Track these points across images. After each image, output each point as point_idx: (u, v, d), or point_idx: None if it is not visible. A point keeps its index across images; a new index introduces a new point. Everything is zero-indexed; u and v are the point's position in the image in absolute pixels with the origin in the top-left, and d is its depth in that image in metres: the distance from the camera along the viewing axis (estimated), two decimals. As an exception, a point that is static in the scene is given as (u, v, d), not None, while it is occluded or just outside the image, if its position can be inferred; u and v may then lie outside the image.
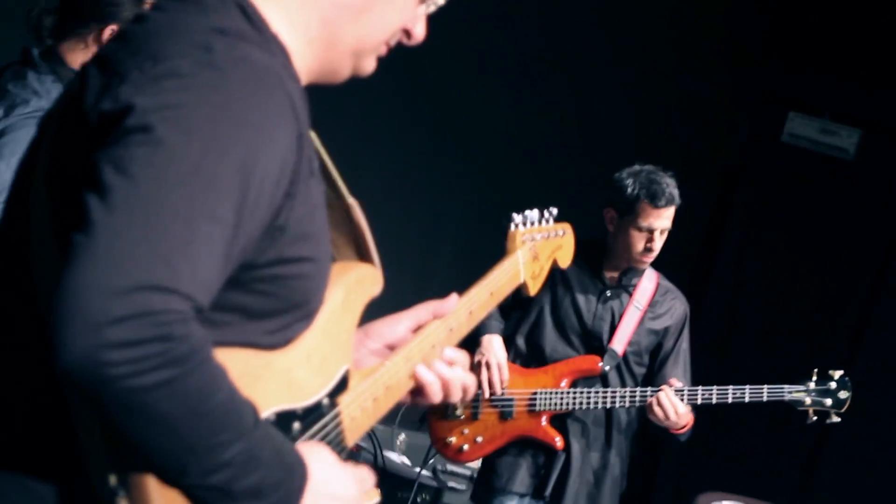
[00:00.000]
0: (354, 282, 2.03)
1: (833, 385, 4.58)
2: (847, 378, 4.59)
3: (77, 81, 1.77)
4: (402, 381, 2.13)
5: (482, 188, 6.89)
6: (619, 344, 4.70)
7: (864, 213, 7.89)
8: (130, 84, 1.64)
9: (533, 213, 2.53)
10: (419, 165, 6.52)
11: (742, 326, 8.34)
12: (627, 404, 4.60)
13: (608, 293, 4.76)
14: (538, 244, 2.54)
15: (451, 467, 6.12)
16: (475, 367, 4.65)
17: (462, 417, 4.77)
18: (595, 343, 4.73)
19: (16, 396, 1.75)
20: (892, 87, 7.62)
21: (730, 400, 4.51)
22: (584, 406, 4.62)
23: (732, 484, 6.56)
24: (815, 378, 4.59)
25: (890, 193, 7.85)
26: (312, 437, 1.89)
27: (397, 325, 2.21)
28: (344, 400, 1.98)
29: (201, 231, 1.57)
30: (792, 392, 4.56)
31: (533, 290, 2.53)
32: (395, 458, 6.17)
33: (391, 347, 2.18)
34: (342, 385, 1.98)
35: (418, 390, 2.19)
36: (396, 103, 6.33)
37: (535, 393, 4.66)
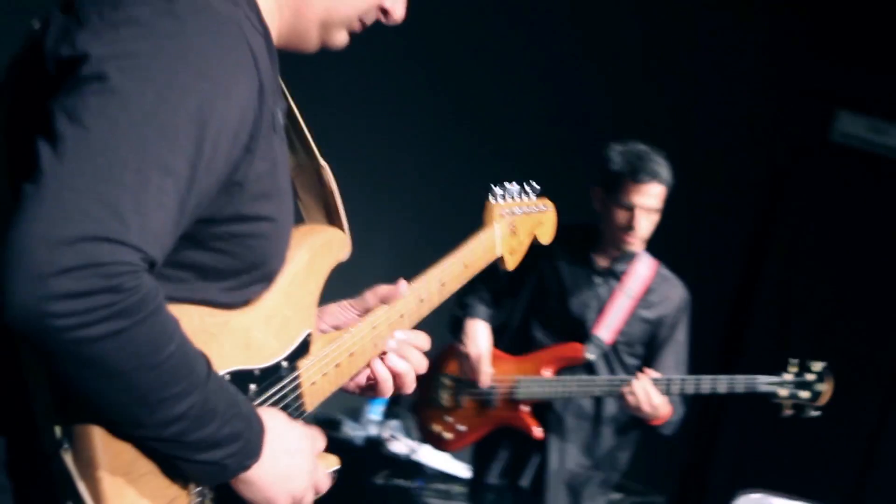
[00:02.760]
0: (320, 245, 2.01)
1: (811, 377, 4.33)
2: (828, 370, 4.32)
3: (42, 24, 1.75)
4: (366, 349, 2.11)
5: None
6: (605, 331, 4.53)
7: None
8: (88, 30, 1.62)
9: (513, 187, 2.49)
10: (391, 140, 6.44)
11: (792, 335, 8.25)
12: (603, 393, 4.42)
13: (596, 279, 4.58)
14: (517, 218, 2.49)
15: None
16: (458, 356, 4.58)
17: (446, 406, 4.68)
18: (579, 330, 4.56)
19: None
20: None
21: (705, 390, 4.31)
22: (563, 395, 4.47)
23: (783, 483, 6.50)
24: (794, 370, 4.35)
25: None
26: (269, 398, 1.89)
27: (345, 311, 2.17)
28: (304, 364, 1.97)
29: (153, 182, 1.55)
30: (767, 383, 4.32)
31: (510, 264, 2.48)
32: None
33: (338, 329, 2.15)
34: (303, 349, 1.97)
35: (369, 385, 2.19)
36: (376, 70, 6.25)
37: (517, 381, 4.54)
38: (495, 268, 4.71)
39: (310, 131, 2.07)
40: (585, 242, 4.62)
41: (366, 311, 2.16)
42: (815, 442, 7.80)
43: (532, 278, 4.70)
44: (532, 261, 4.67)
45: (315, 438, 1.90)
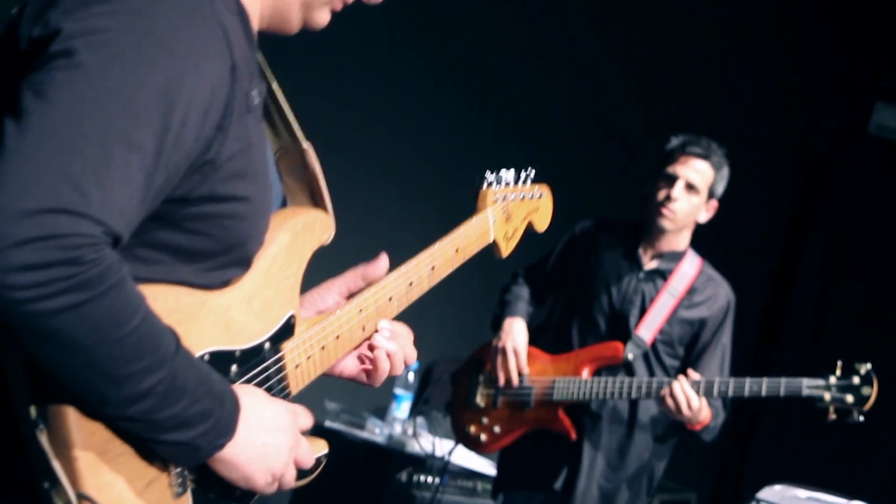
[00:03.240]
0: (302, 226, 2.00)
1: (857, 380, 4.12)
2: (873, 373, 4.12)
3: (19, 9, 1.76)
4: (353, 332, 2.10)
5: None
6: (646, 331, 4.43)
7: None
8: (60, 9, 1.63)
9: (508, 174, 2.47)
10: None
11: (830, 327, 8.15)
12: (641, 395, 4.30)
13: (641, 275, 4.49)
14: (511, 204, 2.47)
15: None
16: (492, 352, 4.53)
17: (482, 406, 4.61)
18: (621, 328, 4.47)
19: None
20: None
21: (746, 393, 4.15)
22: (600, 396, 4.36)
23: (819, 480, 6.41)
24: (838, 372, 4.16)
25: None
26: (251, 380, 1.88)
27: (327, 294, 2.16)
28: (288, 346, 1.96)
29: (116, 156, 1.55)
30: (811, 387, 4.15)
31: (505, 251, 2.46)
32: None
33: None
34: (286, 331, 1.96)
35: (363, 371, 2.18)
36: (390, 58, 6.21)
37: (554, 381, 4.44)
38: (538, 264, 4.68)
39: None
40: (632, 238, 4.55)
41: (349, 292, 2.16)
42: (852, 440, 7.69)
43: (575, 273, 4.64)
44: (576, 255, 4.67)
45: (298, 414, 1.89)
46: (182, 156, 1.65)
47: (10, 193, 1.48)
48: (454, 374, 4.83)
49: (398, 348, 2.15)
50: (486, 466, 5.56)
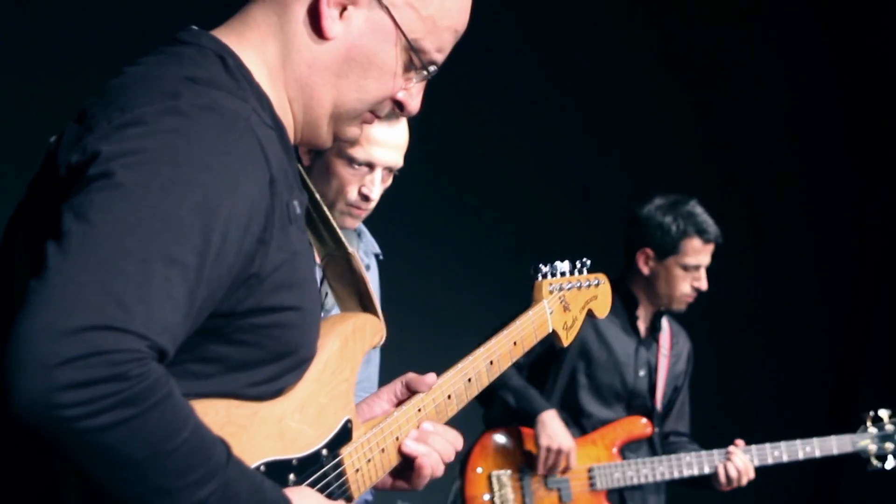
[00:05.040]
0: (352, 331, 2.01)
1: (891, 428, 4.36)
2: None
3: (57, 137, 1.80)
4: (412, 433, 2.09)
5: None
6: (660, 400, 4.41)
7: None
8: (97, 134, 1.67)
9: (563, 264, 2.47)
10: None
11: None
12: (696, 472, 4.20)
13: (642, 344, 4.43)
14: (568, 294, 2.46)
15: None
16: (542, 452, 4.23)
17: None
18: (637, 402, 4.39)
19: None
20: None
21: (801, 456, 4.19)
22: (650, 478, 4.25)
23: None
24: (869, 423, 4.36)
25: None
26: (311, 487, 1.87)
27: (375, 403, 2.14)
28: (346, 450, 1.96)
29: (158, 272, 1.56)
30: (857, 441, 4.32)
31: (566, 340, 2.45)
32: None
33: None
34: (344, 435, 1.96)
35: (402, 470, 2.11)
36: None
37: (592, 468, 4.30)
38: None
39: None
40: (628, 305, 4.45)
41: (397, 400, 2.14)
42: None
43: (570, 350, 4.42)
44: None
45: None
46: (224, 270, 1.66)
47: (55, 313, 1.50)
48: (459, 489, 4.43)
49: (429, 451, 2.09)
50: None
